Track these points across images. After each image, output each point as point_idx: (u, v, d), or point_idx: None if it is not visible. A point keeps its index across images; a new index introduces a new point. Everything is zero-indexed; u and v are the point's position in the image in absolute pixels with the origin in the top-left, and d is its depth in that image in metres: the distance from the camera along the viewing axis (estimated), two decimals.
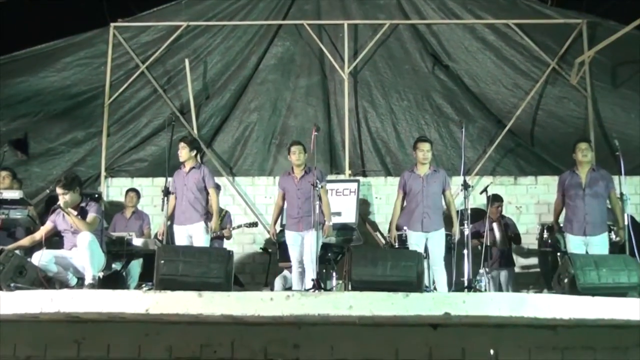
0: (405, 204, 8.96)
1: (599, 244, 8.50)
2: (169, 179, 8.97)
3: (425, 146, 8.83)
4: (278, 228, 9.43)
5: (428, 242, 8.70)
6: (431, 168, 8.86)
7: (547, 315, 6.58)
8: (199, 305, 6.63)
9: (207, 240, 9.14)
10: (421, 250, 8.55)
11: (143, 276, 9.66)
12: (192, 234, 9.00)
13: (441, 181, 8.82)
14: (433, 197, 8.74)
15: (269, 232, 11.51)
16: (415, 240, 8.69)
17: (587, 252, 8.40)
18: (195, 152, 9.22)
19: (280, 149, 12.40)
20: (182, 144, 9.12)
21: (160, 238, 9.06)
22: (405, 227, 9.58)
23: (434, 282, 8.74)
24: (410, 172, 8.93)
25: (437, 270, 8.66)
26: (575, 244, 8.58)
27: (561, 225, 9.03)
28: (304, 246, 8.86)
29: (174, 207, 9.13)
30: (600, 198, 8.60)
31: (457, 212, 8.86)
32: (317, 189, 8.25)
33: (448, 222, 8.97)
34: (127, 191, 11.10)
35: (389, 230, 9.08)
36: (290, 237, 9.03)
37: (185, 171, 9.10)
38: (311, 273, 8.50)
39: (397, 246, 9.61)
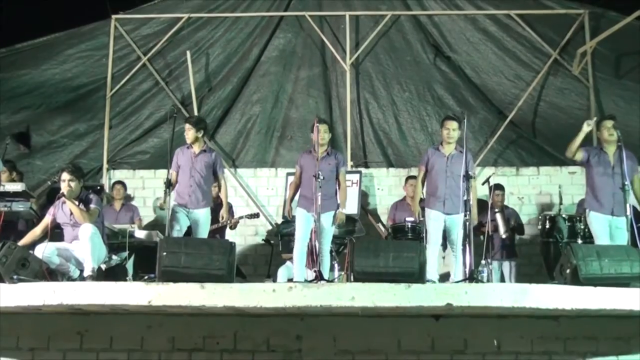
0: (426, 182, 8.81)
1: (623, 227, 8.24)
2: (171, 170, 8.90)
3: (452, 124, 8.65)
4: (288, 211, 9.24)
5: (447, 224, 8.55)
6: (457, 149, 8.67)
7: (549, 305, 6.58)
8: (201, 296, 6.63)
9: (208, 227, 9.01)
10: (440, 230, 8.53)
11: (137, 268, 9.57)
12: (195, 219, 8.80)
13: (463, 166, 8.49)
14: (456, 179, 8.52)
15: (271, 223, 11.59)
16: (435, 217, 8.54)
17: (610, 235, 8.31)
18: (202, 132, 8.97)
19: (282, 141, 12.43)
20: (187, 125, 8.91)
21: (161, 207, 8.91)
22: (407, 218, 9.61)
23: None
24: (434, 150, 8.76)
25: (454, 255, 8.55)
26: (600, 222, 8.37)
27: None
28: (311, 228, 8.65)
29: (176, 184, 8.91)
30: (627, 178, 8.34)
31: (465, 201, 8.66)
32: (318, 180, 8.18)
33: None
34: (114, 184, 11.24)
35: (413, 207, 8.94)
36: (301, 214, 8.76)
37: (194, 152, 8.85)
38: (326, 257, 8.52)
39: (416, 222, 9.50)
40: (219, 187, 9.21)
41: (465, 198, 8.18)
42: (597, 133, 8.71)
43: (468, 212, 8.14)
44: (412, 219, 9.54)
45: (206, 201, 8.89)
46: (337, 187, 8.85)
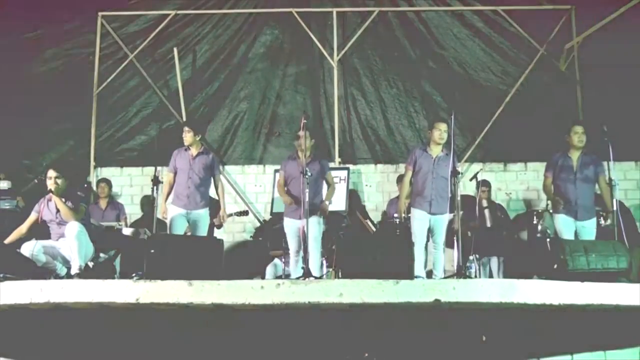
0: (412, 182, 8.84)
1: (589, 229, 8.47)
2: (159, 167, 8.88)
3: (443, 126, 8.67)
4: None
5: (432, 223, 8.58)
6: (443, 151, 8.71)
7: (536, 301, 6.60)
8: (189, 294, 6.61)
9: (207, 227, 9.11)
10: (425, 229, 8.55)
11: (124, 266, 9.52)
12: (194, 219, 8.89)
13: (451, 167, 8.55)
14: (441, 181, 8.57)
15: (259, 220, 11.58)
16: (420, 217, 8.57)
17: (576, 236, 8.42)
18: (199, 136, 9.10)
19: (270, 138, 12.41)
20: (186, 128, 9.02)
21: (163, 217, 8.99)
22: (395, 214, 9.59)
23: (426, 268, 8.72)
24: (422, 150, 8.77)
25: (436, 254, 8.61)
26: (565, 222, 8.51)
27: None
28: (301, 235, 8.62)
29: (171, 186, 8.99)
30: (590, 183, 8.56)
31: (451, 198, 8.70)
32: (306, 177, 8.17)
33: None
34: (98, 182, 11.15)
35: (399, 206, 8.96)
36: (290, 224, 8.88)
37: (192, 154, 8.97)
38: (316, 259, 8.62)
39: (399, 221, 9.51)
40: (216, 188, 9.20)
41: (450, 196, 8.23)
42: (566, 137, 8.70)
43: (456, 210, 8.17)
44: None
45: (204, 202, 8.97)
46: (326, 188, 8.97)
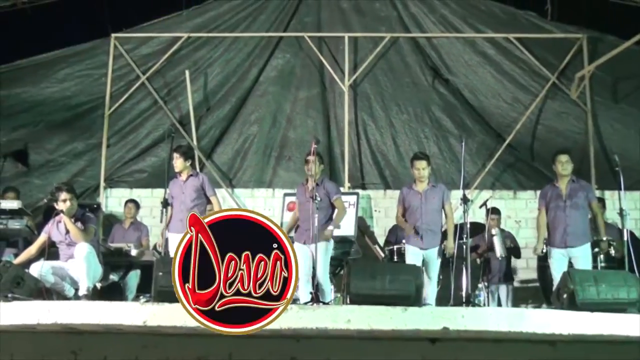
0: (405, 218, 8.85)
1: (582, 255, 8.39)
2: (168, 189, 8.94)
3: (421, 164, 8.69)
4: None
5: (425, 259, 8.58)
6: (430, 184, 8.72)
7: (546, 330, 6.55)
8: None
9: None
10: (419, 264, 8.52)
11: (141, 288, 9.62)
12: None
13: (440, 196, 8.66)
14: (432, 214, 8.61)
15: None
16: (413, 254, 8.60)
17: (570, 264, 8.37)
18: (190, 161, 9.14)
19: (279, 161, 12.43)
20: (176, 155, 9.04)
21: (159, 249, 9.02)
22: (403, 241, 9.58)
23: None
24: (408, 189, 8.80)
25: (429, 286, 8.55)
26: (557, 257, 8.48)
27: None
28: (311, 260, 8.58)
29: (171, 216, 9.05)
30: (581, 209, 8.51)
31: (456, 226, 8.76)
32: (315, 202, 8.17)
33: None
34: (126, 202, 11.09)
35: (406, 230, 8.86)
36: (298, 248, 8.63)
37: (183, 179, 9.01)
38: (326, 284, 8.59)
39: (395, 260, 9.61)
40: (213, 206, 9.19)
41: (462, 221, 8.23)
42: (552, 166, 8.70)
43: (465, 236, 8.17)
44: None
45: None
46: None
